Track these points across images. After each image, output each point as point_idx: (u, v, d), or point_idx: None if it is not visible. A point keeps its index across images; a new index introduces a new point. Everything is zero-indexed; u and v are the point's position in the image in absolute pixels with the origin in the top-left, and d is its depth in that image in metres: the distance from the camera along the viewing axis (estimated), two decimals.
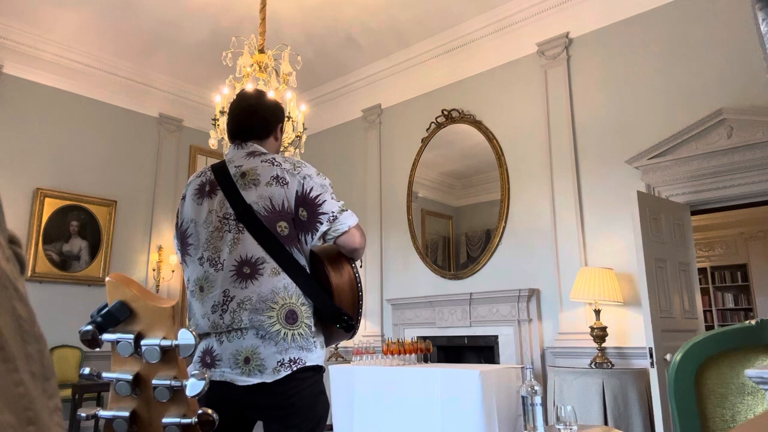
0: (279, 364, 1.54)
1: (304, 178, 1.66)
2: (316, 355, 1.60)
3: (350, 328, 1.64)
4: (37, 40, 5.85)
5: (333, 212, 1.64)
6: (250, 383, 1.54)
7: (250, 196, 1.62)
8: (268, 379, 1.53)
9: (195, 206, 1.71)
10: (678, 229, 4.07)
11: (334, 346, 5.98)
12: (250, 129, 1.78)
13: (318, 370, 1.62)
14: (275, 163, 1.67)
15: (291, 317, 1.58)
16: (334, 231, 1.65)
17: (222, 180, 1.68)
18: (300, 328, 1.58)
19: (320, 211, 1.63)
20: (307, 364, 1.57)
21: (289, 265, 1.59)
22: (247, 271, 1.58)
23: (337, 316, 1.61)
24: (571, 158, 4.82)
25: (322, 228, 1.63)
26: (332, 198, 1.67)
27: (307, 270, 1.63)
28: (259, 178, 1.64)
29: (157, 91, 6.85)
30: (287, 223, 1.61)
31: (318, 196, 1.65)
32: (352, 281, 1.67)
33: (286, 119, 1.96)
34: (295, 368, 1.54)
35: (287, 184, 1.63)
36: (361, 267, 1.92)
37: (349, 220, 1.66)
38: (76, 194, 6.11)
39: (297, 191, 1.63)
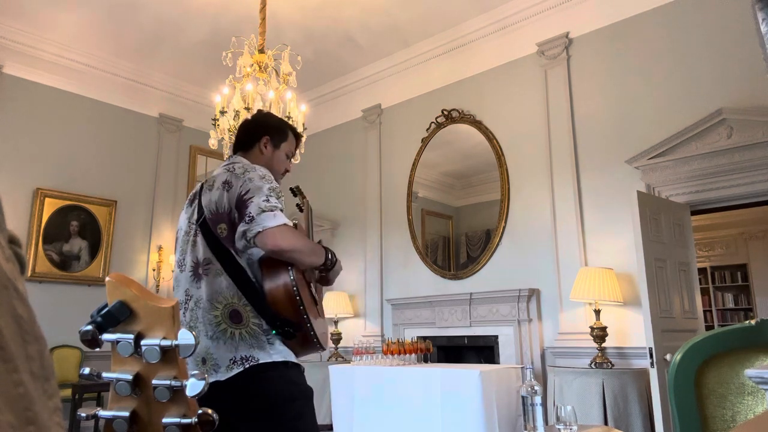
0: (231, 362, 1.58)
1: (246, 180, 1.68)
2: (272, 352, 1.61)
3: (289, 335, 1.61)
4: (37, 40, 5.85)
5: (251, 213, 1.63)
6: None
7: (204, 201, 1.72)
8: (222, 377, 1.57)
9: (183, 215, 1.84)
10: (678, 229, 4.07)
11: (333, 346, 5.98)
12: (237, 141, 1.95)
13: (275, 368, 1.61)
14: (230, 170, 1.75)
15: (236, 317, 1.62)
16: (250, 232, 1.62)
17: (200, 190, 1.79)
18: (247, 327, 1.61)
19: (244, 212, 1.64)
20: (261, 361, 1.58)
21: (229, 267, 1.65)
22: (199, 271, 1.69)
23: (271, 320, 1.61)
24: (571, 158, 4.82)
25: (240, 228, 1.63)
26: (263, 200, 1.64)
27: (247, 272, 1.65)
28: (214, 184, 1.73)
29: (157, 91, 6.85)
30: (226, 225, 1.67)
31: (249, 198, 1.65)
32: (287, 287, 1.63)
33: (285, 133, 2.02)
34: (247, 365, 1.57)
35: (232, 187, 1.68)
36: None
37: (266, 222, 1.61)
38: (76, 194, 6.11)
39: (238, 193, 1.67)
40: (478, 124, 5.56)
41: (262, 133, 1.93)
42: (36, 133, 5.94)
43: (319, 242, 1.82)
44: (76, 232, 6.09)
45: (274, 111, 4.04)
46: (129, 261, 6.44)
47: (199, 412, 0.83)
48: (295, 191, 2.21)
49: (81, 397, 5.06)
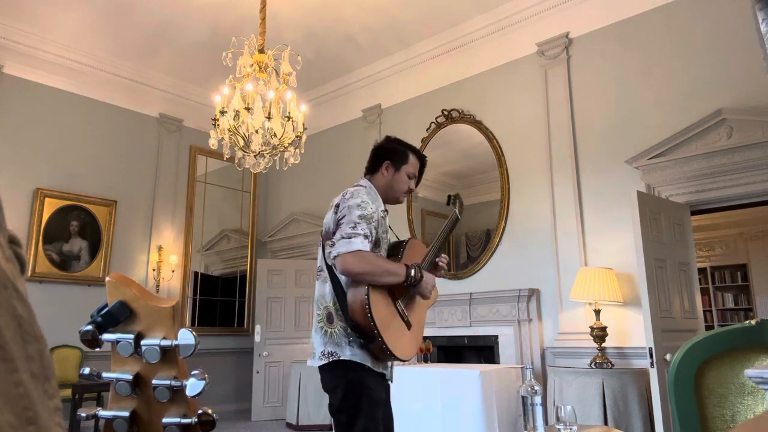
0: (321, 354, 1.96)
1: (346, 207, 2.00)
2: (350, 352, 1.92)
3: (362, 343, 1.93)
4: (37, 40, 5.85)
5: (335, 238, 1.95)
6: (309, 365, 2.05)
7: (325, 219, 2.09)
8: (315, 364, 1.99)
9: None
10: (678, 229, 4.07)
11: None
12: (367, 165, 2.27)
13: (352, 366, 1.92)
14: (344, 193, 2.06)
15: (329, 318, 1.98)
16: (329, 256, 1.96)
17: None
18: (336, 328, 1.95)
19: (333, 236, 1.97)
20: (341, 358, 1.92)
21: (333, 276, 1.99)
22: (317, 275, 2.10)
23: (351, 327, 1.92)
24: (571, 158, 4.82)
25: (327, 250, 1.98)
26: (349, 227, 1.94)
27: (342, 284, 1.97)
28: (332, 204, 2.08)
29: (157, 91, 6.85)
30: (331, 243, 2.00)
31: (340, 224, 1.97)
32: (362, 302, 1.90)
33: (406, 156, 2.30)
34: (331, 359, 1.93)
35: (339, 210, 2.01)
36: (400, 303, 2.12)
37: (341, 248, 1.91)
38: (76, 194, 6.11)
39: (338, 218, 2.00)
40: (478, 124, 5.56)
41: (384, 158, 2.24)
42: (36, 133, 5.94)
43: (416, 263, 2.06)
44: (76, 232, 6.09)
45: (274, 111, 4.04)
46: (129, 261, 6.44)
47: (199, 412, 0.83)
48: (449, 199, 2.40)
49: (81, 397, 5.05)
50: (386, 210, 2.23)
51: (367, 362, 1.94)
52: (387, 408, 2.06)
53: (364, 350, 1.93)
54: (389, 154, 2.25)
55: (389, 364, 2.08)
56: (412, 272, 2.00)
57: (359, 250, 1.89)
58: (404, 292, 2.06)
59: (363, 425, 1.89)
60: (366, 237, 1.94)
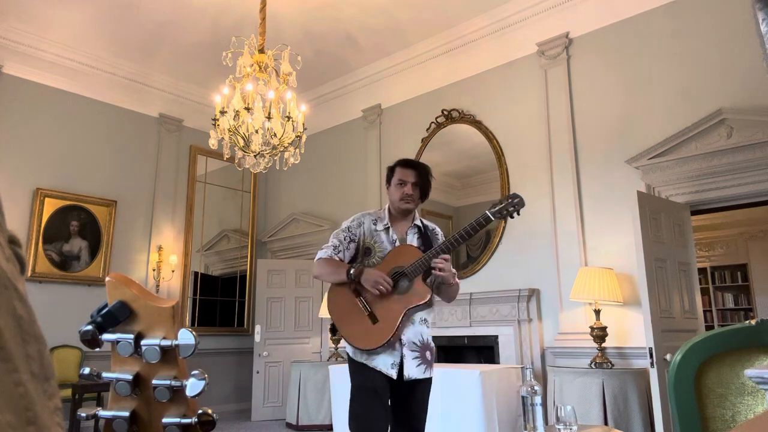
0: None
1: None
2: (350, 350, 2.38)
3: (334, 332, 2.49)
4: (37, 40, 5.85)
5: None
6: None
7: None
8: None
9: None
10: (678, 229, 4.07)
11: (333, 346, 6.00)
12: None
13: (348, 357, 2.40)
14: None
15: None
16: None
17: None
18: None
19: None
20: (346, 350, 2.42)
21: None
22: None
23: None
24: (571, 158, 4.82)
25: None
26: (330, 239, 2.46)
27: None
28: None
29: (157, 91, 6.85)
30: None
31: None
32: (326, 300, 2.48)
33: (392, 170, 2.61)
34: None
35: None
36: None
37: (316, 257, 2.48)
38: (76, 194, 6.11)
39: None
40: (478, 124, 5.56)
41: (387, 179, 2.59)
42: (36, 133, 5.94)
43: (361, 267, 2.40)
44: (76, 232, 6.09)
45: (274, 111, 4.04)
46: (129, 261, 6.44)
47: (199, 412, 0.83)
48: (502, 199, 2.67)
49: (81, 397, 5.05)
50: (420, 225, 2.54)
51: (350, 353, 2.36)
52: (397, 401, 2.31)
53: (353, 348, 2.34)
54: (388, 172, 2.59)
55: (378, 356, 2.29)
56: (352, 271, 2.33)
57: (320, 258, 2.42)
58: (367, 290, 2.35)
59: (353, 407, 2.28)
60: (334, 247, 2.42)
